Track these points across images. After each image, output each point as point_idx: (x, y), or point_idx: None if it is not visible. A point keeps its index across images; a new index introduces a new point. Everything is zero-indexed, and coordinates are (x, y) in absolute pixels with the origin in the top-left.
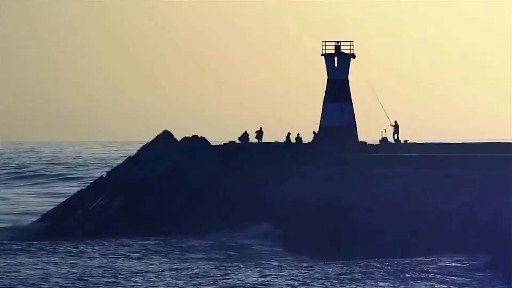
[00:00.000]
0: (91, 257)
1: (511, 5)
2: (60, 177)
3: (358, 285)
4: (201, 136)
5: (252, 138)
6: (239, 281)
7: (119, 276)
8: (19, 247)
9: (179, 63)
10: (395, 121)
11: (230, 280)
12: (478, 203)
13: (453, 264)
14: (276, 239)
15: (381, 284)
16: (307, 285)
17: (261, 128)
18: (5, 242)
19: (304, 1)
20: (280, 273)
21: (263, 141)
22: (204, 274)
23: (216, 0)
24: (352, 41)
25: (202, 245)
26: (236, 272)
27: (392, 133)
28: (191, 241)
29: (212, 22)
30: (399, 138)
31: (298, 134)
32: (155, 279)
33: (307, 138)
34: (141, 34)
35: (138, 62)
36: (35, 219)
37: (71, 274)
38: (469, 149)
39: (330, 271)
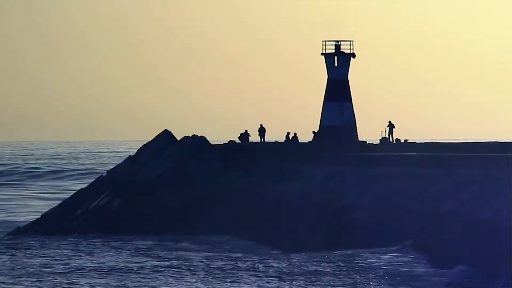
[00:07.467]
0: (90, 257)
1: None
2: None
3: None
4: (201, 136)
5: (255, 136)
6: None
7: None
8: (18, 246)
9: (179, 63)
10: (389, 121)
11: None
12: (478, 203)
13: None
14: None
15: None
16: None
17: (261, 125)
18: (6, 240)
19: (304, 1)
20: None
21: (265, 137)
22: None
23: (217, 0)
24: (352, 41)
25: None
26: None
27: (388, 133)
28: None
29: (213, 22)
30: (393, 138)
31: (295, 134)
32: None
33: (308, 137)
34: (141, 34)
35: (139, 61)
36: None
37: (70, 273)
38: (469, 148)
39: None
